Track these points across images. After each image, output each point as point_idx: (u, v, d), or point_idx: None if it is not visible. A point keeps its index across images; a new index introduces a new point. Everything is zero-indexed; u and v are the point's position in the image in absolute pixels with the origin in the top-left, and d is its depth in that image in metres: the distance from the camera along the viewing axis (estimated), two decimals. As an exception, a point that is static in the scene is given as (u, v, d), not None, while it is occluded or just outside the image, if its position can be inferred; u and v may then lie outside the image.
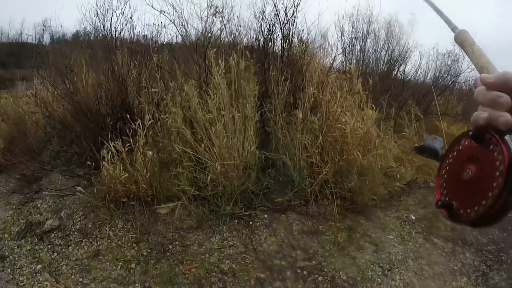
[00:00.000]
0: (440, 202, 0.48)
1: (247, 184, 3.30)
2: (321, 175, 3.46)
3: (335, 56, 5.47)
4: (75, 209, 3.53)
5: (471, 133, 0.45)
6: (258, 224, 3.29)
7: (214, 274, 2.77)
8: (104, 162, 3.10)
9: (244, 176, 3.29)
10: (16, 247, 3.20)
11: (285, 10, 3.96)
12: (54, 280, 2.73)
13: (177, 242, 3.06)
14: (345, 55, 6.60)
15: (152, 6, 3.62)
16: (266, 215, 3.37)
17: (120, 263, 2.87)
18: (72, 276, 2.79)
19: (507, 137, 0.41)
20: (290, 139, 3.64)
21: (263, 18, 4.08)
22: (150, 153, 3.24)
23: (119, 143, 3.19)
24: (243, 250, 3.02)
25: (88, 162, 3.36)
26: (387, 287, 2.75)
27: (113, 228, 3.20)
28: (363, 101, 4.11)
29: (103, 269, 2.83)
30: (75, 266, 2.89)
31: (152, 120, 3.32)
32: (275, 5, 3.99)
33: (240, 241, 3.10)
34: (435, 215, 3.86)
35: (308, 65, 4.06)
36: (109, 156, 3.16)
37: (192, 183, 3.25)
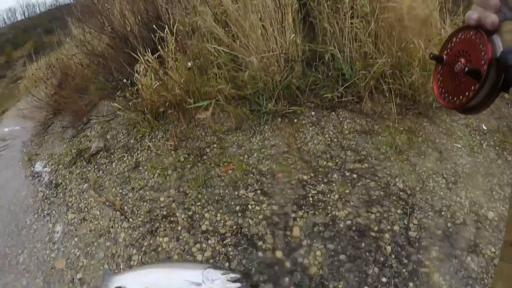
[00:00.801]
0: (431, 55, 0.56)
1: (290, 79, 2.91)
2: (376, 67, 2.92)
3: None
4: (119, 129, 3.59)
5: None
6: (303, 122, 2.92)
7: (251, 175, 2.54)
8: (136, 75, 2.96)
9: (287, 70, 2.91)
10: (68, 174, 3.42)
11: None
12: (97, 195, 2.84)
13: (215, 145, 2.87)
14: None
15: None
16: (313, 113, 2.98)
17: (158, 171, 2.82)
18: (113, 189, 2.87)
19: (494, 36, 0.45)
20: (338, 28, 3.10)
21: None
22: (189, 63, 3.00)
23: (149, 54, 3.02)
24: (285, 150, 2.71)
25: (124, 80, 3.26)
26: (450, 202, 2.25)
27: (153, 140, 3.15)
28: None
29: (141, 178, 2.84)
30: (117, 179, 2.96)
31: (179, 26, 3.04)
32: None
33: (282, 141, 2.79)
34: (511, 129, 3.13)
35: None
36: (141, 69, 3.03)
37: (230, 83, 2.96)
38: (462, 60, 0.48)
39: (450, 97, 0.51)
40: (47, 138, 5.08)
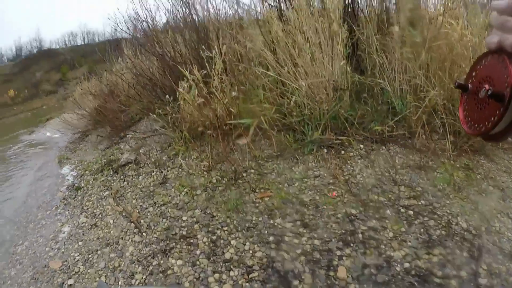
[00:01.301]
0: (456, 83, 0.53)
1: (339, 109, 2.75)
2: (427, 100, 2.72)
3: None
4: (153, 146, 3.58)
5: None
6: (351, 154, 2.71)
7: (290, 205, 2.31)
8: (180, 89, 2.94)
9: (335, 99, 2.76)
10: (92, 180, 3.44)
11: None
12: (115, 204, 2.74)
13: (252, 170, 2.70)
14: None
15: None
16: (361, 145, 2.77)
17: (186, 190, 2.67)
18: (134, 201, 2.76)
19: None
20: (387, 61, 2.96)
21: None
22: (234, 92, 2.95)
23: (195, 71, 3.01)
24: (331, 181, 2.48)
25: (167, 96, 3.26)
26: (521, 245, 1.95)
27: (186, 159, 3.06)
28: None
29: (166, 195, 2.70)
30: (140, 192, 2.85)
31: (226, 44, 3.04)
32: None
33: (328, 172, 2.57)
34: None
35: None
36: (185, 85, 3.02)
37: (275, 109, 2.84)
38: (486, 86, 0.47)
39: (476, 125, 0.50)
40: (82, 146, 5.27)
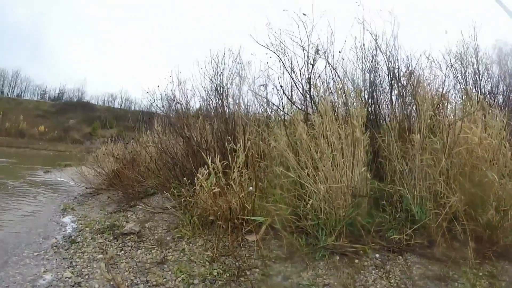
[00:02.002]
0: None
1: (356, 216, 2.69)
2: (448, 206, 2.64)
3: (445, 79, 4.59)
4: (160, 224, 3.56)
5: None
6: (366, 263, 2.57)
7: None
8: (199, 175, 2.99)
9: (352, 206, 2.71)
10: (90, 238, 3.37)
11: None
12: (106, 270, 2.60)
13: (257, 270, 2.56)
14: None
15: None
16: (377, 255, 2.64)
17: (183, 276, 2.53)
18: (126, 273, 2.65)
19: None
20: (407, 168, 2.97)
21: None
22: (251, 188, 3.00)
23: (216, 160, 3.09)
24: None
25: (185, 178, 3.31)
26: None
27: (190, 244, 2.98)
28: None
29: (162, 276, 2.57)
30: (135, 266, 2.75)
31: (251, 140, 3.15)
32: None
33: (338, 281, 2.41)
34: None
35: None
36: (205, 171, 3.08)
37: (290, 210, 2.81)
38: None
39: None
40: (90, 202, 5.28)
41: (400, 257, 2.65)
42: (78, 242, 3.27)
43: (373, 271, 2.51)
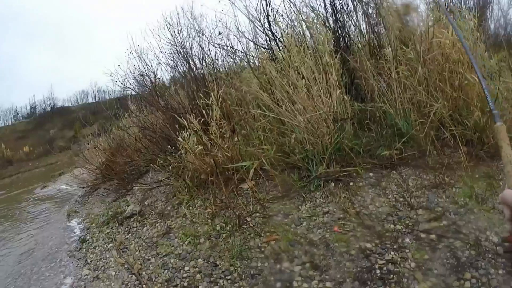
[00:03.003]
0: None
1: (342, 140, 2.67)
2: (432, 114, 2.62)
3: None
4: (158, 197, 3.57)
5: None
6: (361, 184, 2.58)
7: (299, 246, 2.16)
8: (179, 139, 2.94)
9: (336, 131, 2.69)
10: (97, 232, 3.43)
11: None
12: (118, 256, 2.71)
13: (257, 214, 2.58)
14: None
15: None
16: (371, 174, 2.65)
17: (189, 239, 2.58)
18: (137, 253, 2.71)
19: None
20: (385, 84, 2.92)
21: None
22: (236, 138, 2.95)
23: (192, 119, 3.02)
24: (341, 216, 2.34)
25: (169, 146, 3.25)
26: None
27: (190, 207, 3.00)
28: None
29: (169, 245, 2.62)
30: (143, 243, 2.80)
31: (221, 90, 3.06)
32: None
33: (337, 206, 2.43)
34: None
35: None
36: (185, 134, 3.02)
37: (276, 149, 2.78)
38: None
39: None
40: (91, 199, 5.31)
41: (394, 172, 2.65)
42: (88, 240, 3.33)
43: (370, 190, 2.52)
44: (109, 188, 5.12)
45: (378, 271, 1.82)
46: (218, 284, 2.05)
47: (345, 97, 2.78)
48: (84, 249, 3.14)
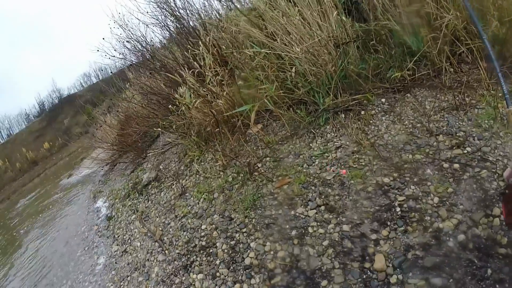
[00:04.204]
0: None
1: (347, 65, 2.46)
2: (444, 27, 2.32)
3: None
4: (172, 159, 3.56)
5: None
6: (373, 112, 2.38)
7: (312, 188, 2.03)
8: (177, 96, 2.82)
9: (340, 56, 2.47)
10: (121, 207, 3.54)
11: None
12: (141, 226, 2.77)
13: (267, 159, 2.48)
14: None
15: None
16: (383, 99, 2.45)
17: (204, 196, 2.55)
18: (157, 219, 2.75)
19: None
20: (388, -1, 2.61)
21: None
22: (238, 81, 2.77)
23: (185, 72, 2.87)
24: (355, 149, 2.17)
25: (170, 106, 3.15)
26: None
27: (201, 163, 2.97)
28: None
29: (186, 205, 2.62)
30: (162, 209, 2.84)
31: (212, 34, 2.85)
32: None
33: (350, 139, 2.27)
34: None
35: None
36: (181, 90, 2.89)
37: (279, 86, 2.61)
38: None
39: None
40: (112, 176, 5.46)
41: (408, 94, 2.41)
42: (113, 216, 3.45)
43: (383, 118, 2.32)
44: (125, 161, 5.22)
45: (398, 209, 1.69)
46: (234, 239, 2.03)
47: (343, 18, 2.51)
48: (111, 226, 3.27)
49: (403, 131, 2.17)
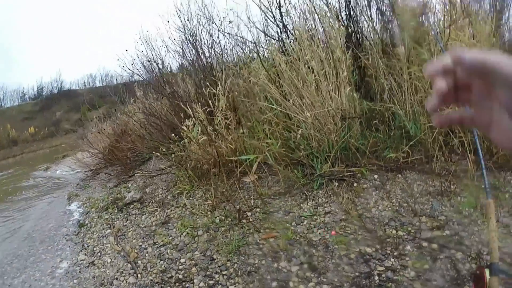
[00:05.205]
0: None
1: (348, 138, 2.61)
2: None
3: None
4: (159, 185, 3.55)
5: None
6: (365, 186, 2.53)
7: (298, 245, 2.12)
8: (184, 128, 2.90)
9: (344, 129, 2.63)
10: (96, 217, 3.41)
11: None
12: (115, 243, 2.69)
13: (258, 209, 2.54)
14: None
15: None
16: (375, 175, 2.60)
17: (187, 230, 2.55)
18: (134, 240, 2.69)
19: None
20: (396, 84, 2.85)
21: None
22: (243, 129, 2.89)
23: (198, 108, 2.97)
24: (343, 217, 2.30)
25: (173, 135, 3.21)
26: None
27: (190, 198, 2.97)
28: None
29: (167, 235, 2.60)
30: (141, 232, 2.78)
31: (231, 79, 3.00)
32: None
33: (339, 207, 2.39)
34: None
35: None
36: (189, 123, 2.97)
37: (281, 144, 2.73)
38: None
39: None
40: (92, 184, 5.33)
41: (399, 175, 2.58)
42: (86, 224, 3.32)
43: (373, 193, 2.47)
44: (110, 173, 5.13)
45: (376, 277, 1.78)
46: (214, 279, 2.02)
47: (355, 95, 2.71)
48: (82, 234, 3.14)
49: (390, 208, 2.31)
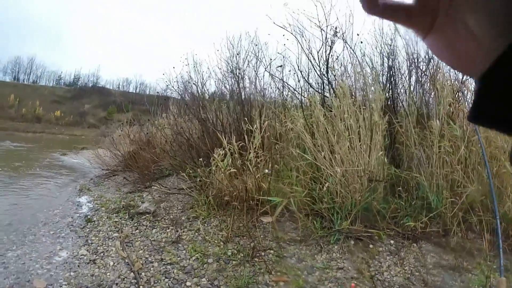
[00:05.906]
0: None
1: (371, 200, 2.67)
2: (465, 196, 2.62)
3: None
4: (175, 204, 3.59)
5: None
6: (380, 249, 2.56)
7: None
8: (214, 155, 3.02)
9: (369, 190, 2.69)
10: (105, 217, 3.42)
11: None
12: (121, 248, 2.67)
13: (271, 251, 2.58)
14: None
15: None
16: (392, 241, 2.63)
17: (197, 255, 2.56)
18: (141, 251, 2.68)
19: None
20: (425, 155, 2.93)
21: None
22: (267, 170, 2.99)
23: (232, 141, 3.10)
24: (355, 275, 2.32)
25: (200, 159, 3.34)
26: None
27: (205, 224, 3.01)
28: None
29: (176, 255, 2.60)
30: (150, 244, 2.78)
31: (267, 121, 3.14)
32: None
33: (352, 265, 2.42)
34: None
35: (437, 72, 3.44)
36: (221, 152, 3.09)
37: (306, 193, 2.81)
38: None
39: None
40: (106, 183, 5.41)
41: (415, 244, 2.63)
42: (94, 221, 3.33)
43: (388, 257, 2.51)
44: (127, 178, 5.23)
45: None
46: None
47: (385, 159, 2.79)
48: (88, 229, 3.12)
49: (401, 274, 2.34)
